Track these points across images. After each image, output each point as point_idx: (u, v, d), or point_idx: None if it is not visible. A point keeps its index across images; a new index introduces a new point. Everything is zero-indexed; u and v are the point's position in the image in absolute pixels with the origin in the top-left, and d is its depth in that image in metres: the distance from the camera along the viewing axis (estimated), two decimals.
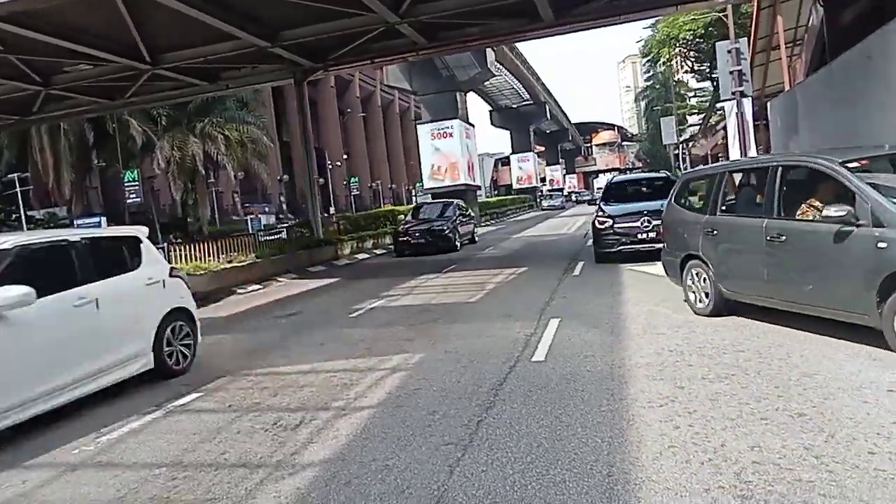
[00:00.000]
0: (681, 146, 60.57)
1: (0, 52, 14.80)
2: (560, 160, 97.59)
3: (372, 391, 5.72)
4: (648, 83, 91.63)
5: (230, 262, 14.26)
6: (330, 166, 63.78)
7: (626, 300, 8.88)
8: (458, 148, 35.13)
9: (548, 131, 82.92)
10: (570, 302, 9.10)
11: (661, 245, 9.55)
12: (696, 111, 65.50)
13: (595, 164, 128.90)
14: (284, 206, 64.06)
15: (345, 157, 66.60)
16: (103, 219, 29.47)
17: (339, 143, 65.49)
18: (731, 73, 24.65)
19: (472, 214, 26.02)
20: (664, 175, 16.23)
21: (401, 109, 78.70)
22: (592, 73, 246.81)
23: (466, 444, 4.19)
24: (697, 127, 64.27)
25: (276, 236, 18.03)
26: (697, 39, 47.60)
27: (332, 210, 67.12)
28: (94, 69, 16.83)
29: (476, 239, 23.28)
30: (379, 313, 9.95)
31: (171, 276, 7.20)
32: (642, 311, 7.94)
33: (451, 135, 34.99)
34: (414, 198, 57.88)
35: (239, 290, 13.64)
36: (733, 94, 24.77)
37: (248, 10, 15.01)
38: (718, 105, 35.63)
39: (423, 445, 4.25)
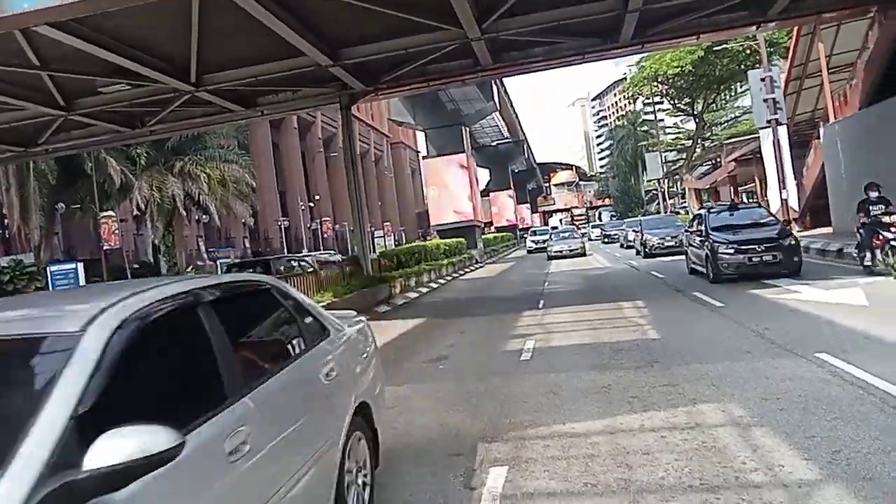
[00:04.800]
0: (659, 182, 61.03)
1: (34, 69, 12.92)
2: (527, 199, 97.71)
3: (768, 457, 4.21)
4: (610, 123, 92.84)
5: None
6: (303, 207, 62.22)
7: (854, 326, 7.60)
8: (463, 183, 33.97)
9: (516, 170, 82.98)
10: (801, 333, 7.76)
11: None
12: (670, 148, 66.31)
13: (554, 204, 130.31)
14: (249, 251, 61.85)
15: (316, 197, 64.92)
16: (80, 265, 26.95)
17: (301, 185, 63.86)
18: (765, 101, 24.38)
19: None
20: None
21: (361, 151, 77.81)
22: (538, 116, 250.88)
23: None
24: (674, 163, 65.16)
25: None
26: (675, 78, 48.11)
27: (306, 251, 65.16)
28: (131, 90, 14.99)
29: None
30: (555, 355, 8.43)
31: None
32: None
33: (457, 169, 33.83)
34: (384, 238, 55.99)
35: None
36: (768, 122, 24.46)
37: (319, 23, 13.54)
38: (710, 140, 35.45)
39: None
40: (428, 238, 59.88)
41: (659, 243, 23.66)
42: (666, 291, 14.00)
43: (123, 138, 19.41)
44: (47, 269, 27.12)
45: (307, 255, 30.17)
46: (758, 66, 35.53)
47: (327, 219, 64.91)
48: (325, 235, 64.28)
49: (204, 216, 41.60)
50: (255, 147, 54.83)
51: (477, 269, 31.16)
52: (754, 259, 13.00)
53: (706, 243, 13.98)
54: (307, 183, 66.01)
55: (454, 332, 11.30)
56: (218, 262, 42.42)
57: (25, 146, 18.33)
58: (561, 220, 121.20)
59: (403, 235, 76.79)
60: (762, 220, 14.78)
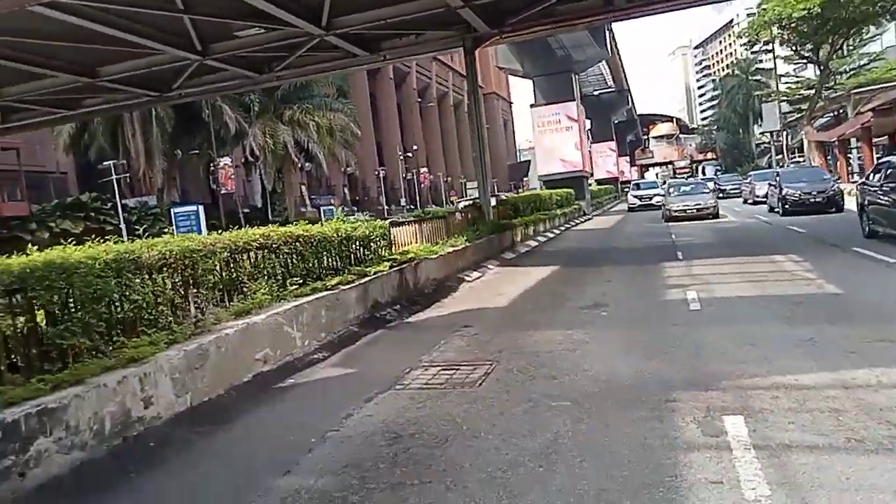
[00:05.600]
0: (773, 135, 57.39)
1: (178, 12, 13.18)
2: (626, 152, 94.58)
3: None
4: (715, 73, 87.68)
5: (436, 244, 12.44)
6: (402, 156, 62.65)
7: None
8: (572, 132, 32.98)
9: (617, 122, 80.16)
10: None
11: None
12: (786, 98, 61.88)
13: (653, 157, 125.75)
14: (348, 199, 63.05)
15: (414, 147, 65.09)
16: (201, 207, 28.17)
17: (397, 135, 64.12)
18: None
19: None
20: None
21: (455, 101, 77.05)
22: (638, 66, 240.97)
23: None
24: (785, 116, 60.85)
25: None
26: (798, 21, 44.37)
27: (402, 202, 66.07)
28: (265, 35, 15.14)
29: None
30: (727, 306, 7.98)
31: None
32: None
33: (565, 118, 32.84)
34: (475, 190, 55.63)
35: (466, 277, 11.85)
36: None
37: None
38: None
39: None
40: (520, 190, 59.06)
41: (803, 198, 20.67)
42: (818, 246, 13.07)
43: (251, 84, 19.72)
44: (170, 210, 28.65)
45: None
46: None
47: (424, 169, 65.25)
48: (422, 186, 64.74)
49: (307, 164, 42.46)
50: (355, 96, 55.37)
51: (587, 220, 30.45)
52: None
53: None
54: (402, 133, 66.30)
55: (599, 281, 10.93)
56: (321, 210, 43.42)
57: (160, 91, 18.96)
58: (657, 174, 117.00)
59: (495, 187, 76.23)
60: None
